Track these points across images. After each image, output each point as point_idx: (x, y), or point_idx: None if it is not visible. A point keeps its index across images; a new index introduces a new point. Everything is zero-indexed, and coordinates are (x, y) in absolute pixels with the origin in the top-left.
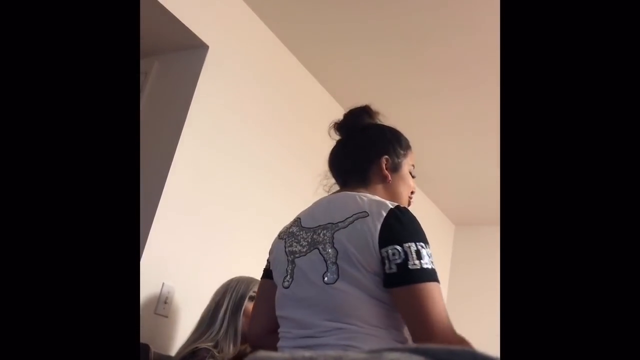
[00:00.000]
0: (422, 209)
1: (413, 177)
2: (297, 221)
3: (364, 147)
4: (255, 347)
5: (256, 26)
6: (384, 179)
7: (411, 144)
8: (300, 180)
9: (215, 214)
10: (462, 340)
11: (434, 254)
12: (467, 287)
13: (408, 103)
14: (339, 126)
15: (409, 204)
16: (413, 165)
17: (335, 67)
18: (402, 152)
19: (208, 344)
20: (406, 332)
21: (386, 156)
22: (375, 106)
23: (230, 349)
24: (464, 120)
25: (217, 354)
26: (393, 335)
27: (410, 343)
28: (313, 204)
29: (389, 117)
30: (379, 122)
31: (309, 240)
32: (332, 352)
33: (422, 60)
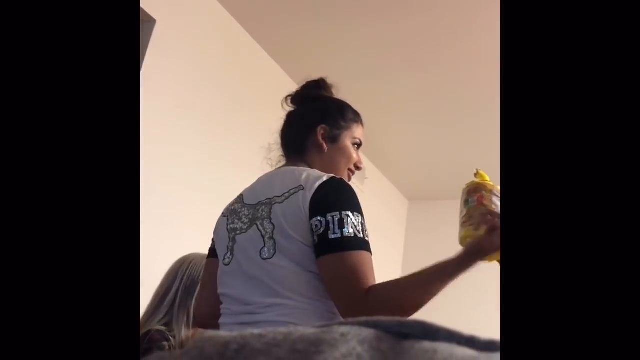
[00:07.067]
0: (375, 185)
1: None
2: (240, 198)
3: (305, 117)
4: (202, 327)
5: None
6: (319, 148)
7: (364, 120)
8: (253, 157)
9: (167, 195)
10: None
11: (388, 229)
12: (421, 262)
13: (362, 80)
14: (292, 98)
15: (349, 178)
16: (359, 139)
17: (288, 43)
18: (343, 124)
19: (160, 327)
20: None
21: (323, 125)
22: (330, 80)
23: (182, 333)
24: (417, 97)
25: (171, 337)
26: (328, 306)
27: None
28: (256, 181)
29: (342, 94)
30: (331, 95)
31: (250, 217)
32: (282, 329)
33: (375, 38)
